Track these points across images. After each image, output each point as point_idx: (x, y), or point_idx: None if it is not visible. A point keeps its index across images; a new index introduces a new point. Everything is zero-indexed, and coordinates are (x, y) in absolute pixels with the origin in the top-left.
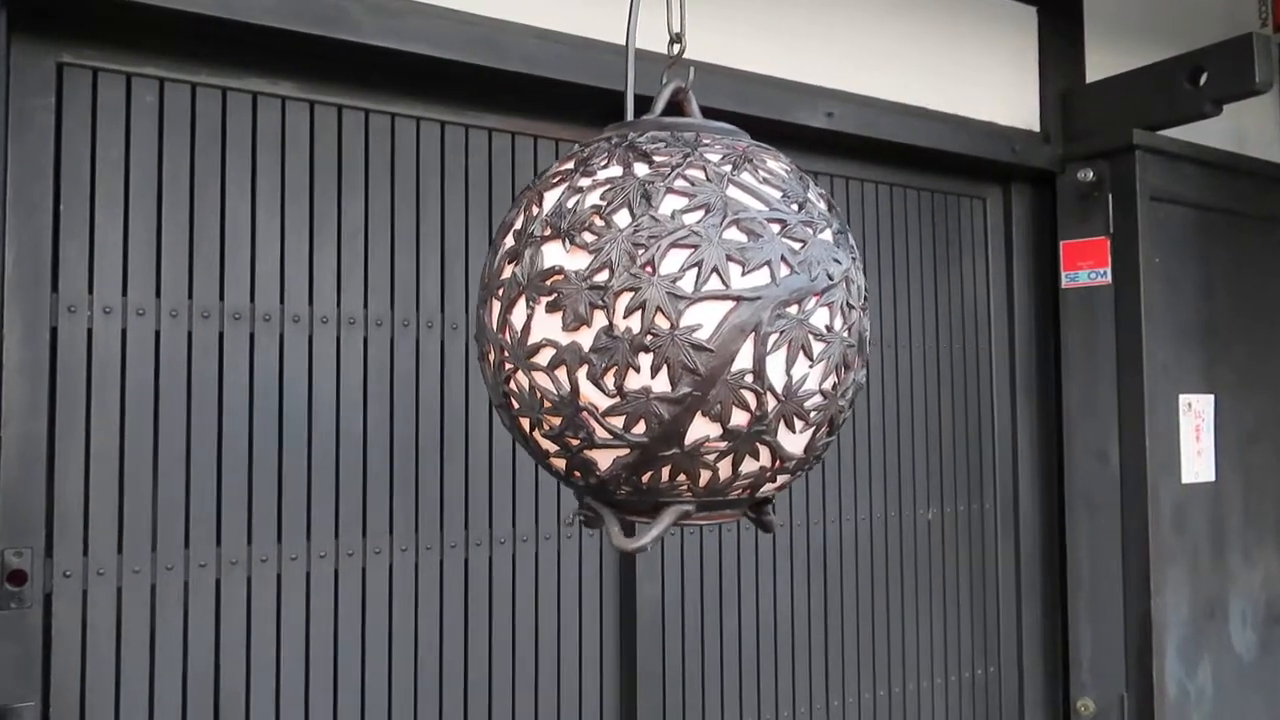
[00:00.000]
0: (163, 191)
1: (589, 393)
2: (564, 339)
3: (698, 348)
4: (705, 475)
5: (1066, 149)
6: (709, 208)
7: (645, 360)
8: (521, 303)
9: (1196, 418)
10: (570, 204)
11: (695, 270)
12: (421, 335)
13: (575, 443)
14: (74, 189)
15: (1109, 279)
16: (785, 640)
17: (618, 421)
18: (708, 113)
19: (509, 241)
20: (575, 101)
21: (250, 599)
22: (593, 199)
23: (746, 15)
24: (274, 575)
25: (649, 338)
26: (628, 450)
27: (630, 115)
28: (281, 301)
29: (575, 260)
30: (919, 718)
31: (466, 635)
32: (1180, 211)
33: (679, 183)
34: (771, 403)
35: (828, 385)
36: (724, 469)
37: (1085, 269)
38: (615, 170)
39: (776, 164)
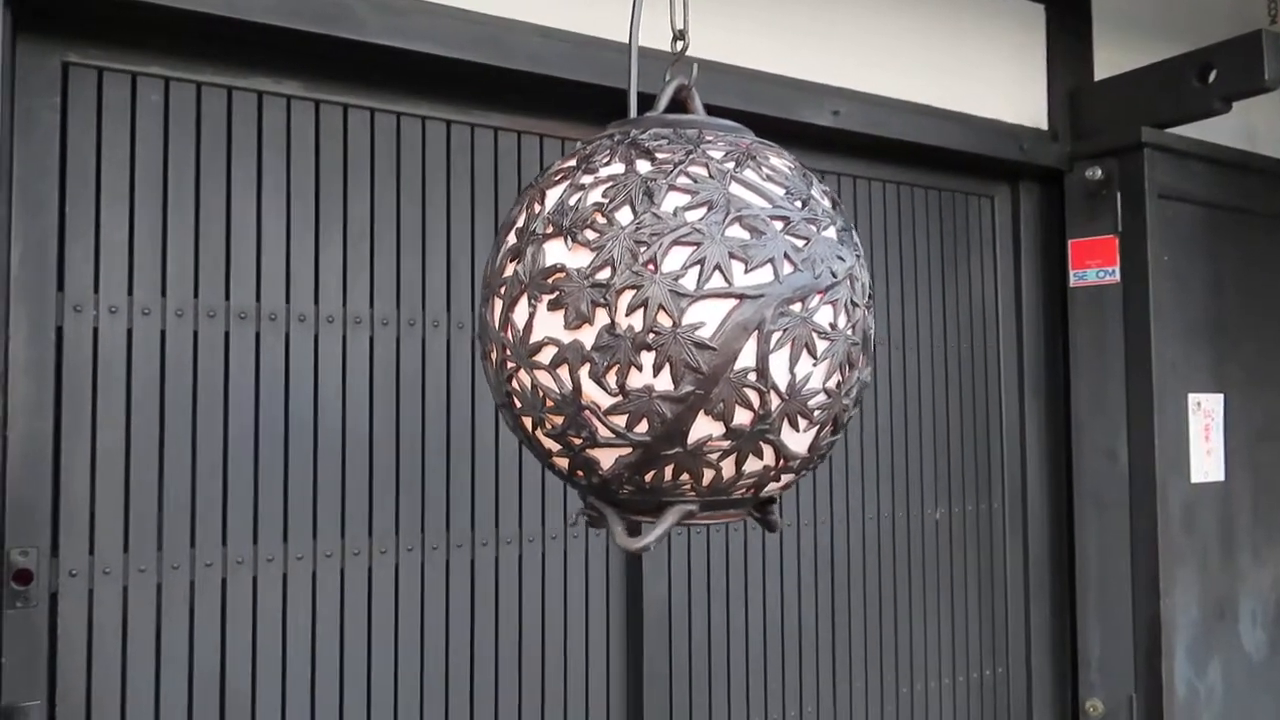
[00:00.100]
0: (168, 191)
1: (591, 391)
2: (566, 337)
3: (700, 346)
4: (709, 474)
5: (1075, 147)
6: (711, 205)
7: (647, 359)
8: (523, 301)
9: (1206, 417)
10: (572, 201)
11: (698, 268)
12: (427, 335)
13: (578, 442)
14: (79, 188)
15: (1117, 277)
16: (792, 640)
17: (620, 420)
18: (713, 111)
19: (511, 239)
20: (581, 100)
21: (256, 598)
22: (595, 196)
23: (750, 12)
24: (280, 575)
25: (651, 336)
26: (630, 449)
27: (634, 112)
28: (287, 301)
29: (577, 258)
30: (926, 718)
31: (473, 635)
32: (1189, 209)
33: (681, 180)
34: (775, 401)
35: (832, 384)
36: (727, 468)
37: (1094, 267)
38: (617, 167)
39: (780, 161)
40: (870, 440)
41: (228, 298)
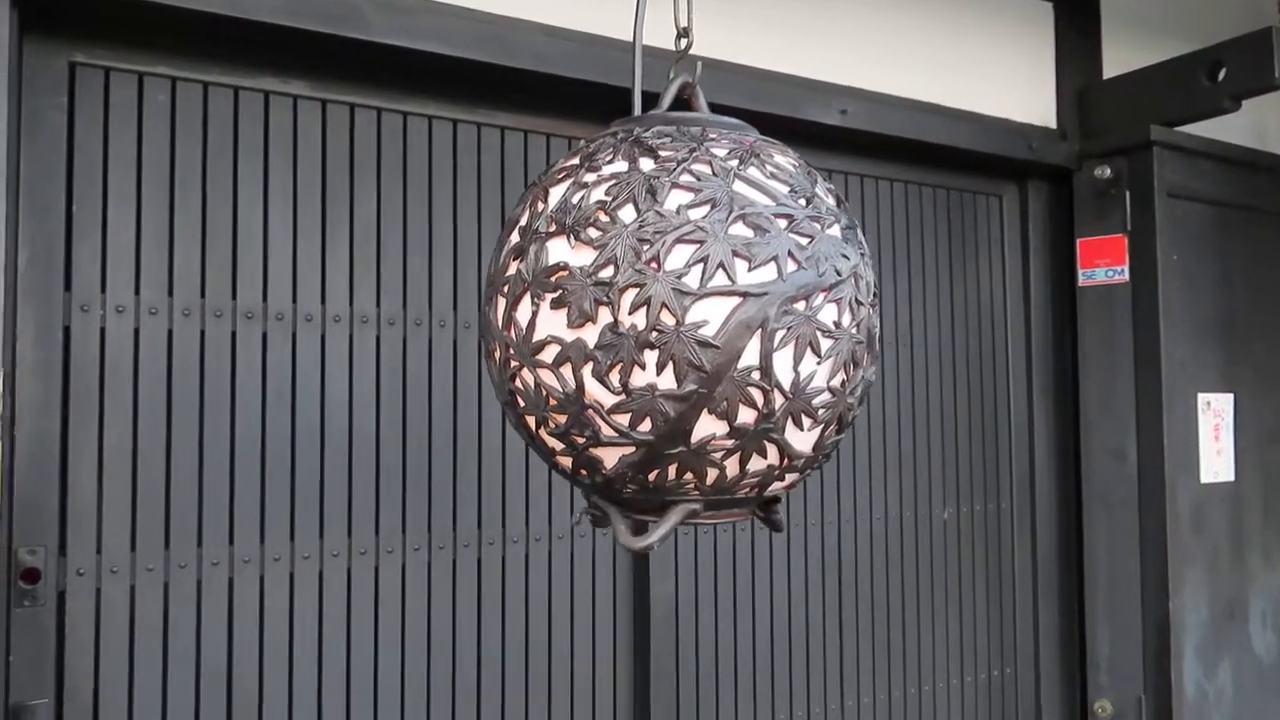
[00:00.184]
0: (175, 190)
1: (594, 390)
2: (569, 336)
3: (703, 344)
4: (712, 473)
5: (1083, 146)
6: (715, 203)
7: (650, 357)
8: (526, 299)
9: (1216, 416)
10: (575, 200)
11: (701, 266)
12: (434, 334)
13: (581, 441)
14: (86, 188)
15: (1126, 276)
16: (800, 639)
17: (623, 419)
18: (720, 110)
19: (514, 238)
20: (587, 99)
21: (263, 597)
22: (598, 194)
23: (752, 11)
24: (287, 574)
25: (654, 334)
26: (634, 448)
27: (638, 110)
28: (294, 300)
29: (580, 256)
30: (934, 718)
31: (480, 634)
32: (1198, 208)
33: (684, 178)
34: (779, 400)
35: (836, 382)
36: (731, 467)
37: (1102, 266)
38: (620, 165)
39: (784, 159)
40: (878, 440)
41: (234, 297)
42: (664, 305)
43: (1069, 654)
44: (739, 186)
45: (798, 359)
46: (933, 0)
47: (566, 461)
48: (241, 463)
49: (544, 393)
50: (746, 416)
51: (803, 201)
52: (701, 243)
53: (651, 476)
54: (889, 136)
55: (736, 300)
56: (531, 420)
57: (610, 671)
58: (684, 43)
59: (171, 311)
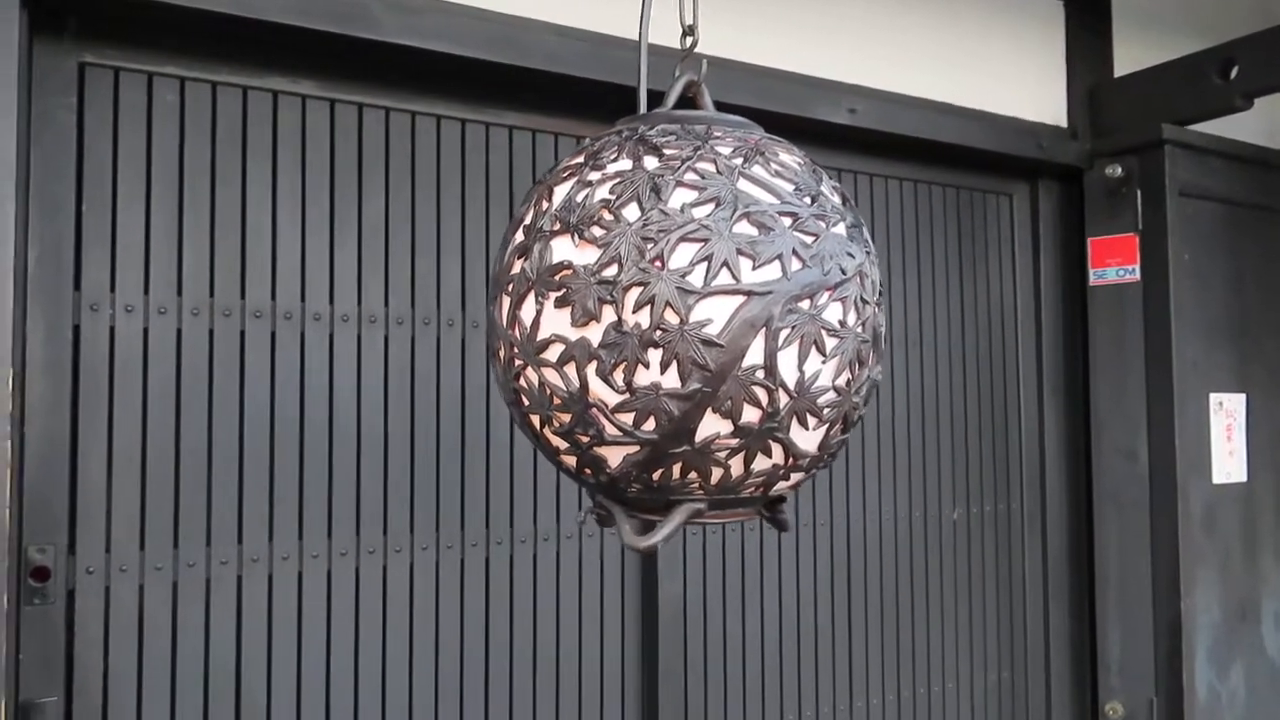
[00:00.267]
0: (184, 190)
1: (598, 389)
2: (573, 334)
3: (707, 343)
4: (717, 473)
5: (1094, 144)
6: (719, 201)
7: (654, 356)
8: (530, 298)
9: (1228, 417)
10: (579, 198)
11: (705, 264)
12: (442, 333)
13: (585, 440)
14: (96, 188)
15: (1138, 276)
16: (808, 640)
17: (627, 418)
18: (728, 109)
19: (519, 236)
20: (596, 99)
21: (271, 596)
22: (602, 193)
23: (759, 8)
24: (295, 573)
25: (658, 333)
26: (638, 447)
27: (643, 109)
28: (302, 300)
29: (584, 255)
30: None
31: (488, 633)
32: (1210, 207)
33: (689, 176)
34: (783, 399)
35: (841, 382)
36: (736, 466)
37: (1114, 266)
38: (625, 164)
39: (789, 157)
40: (888, 440)
41: (243, 297)
42: (668, 304)
43: (1080, 655)
44: (743, 185)
45: (802, 358)
46: None
47: (571, 461)
48: (250, 462)
49: (548, 391)
50: (751, 416)
51: (808, 199)
52: (706, 241)
53: (656, 476)
54: (898, 135)
55: (741, 299)
56: (536, 419)
57: (618, 671)
58: (689, 41)
59: (180, 311)
